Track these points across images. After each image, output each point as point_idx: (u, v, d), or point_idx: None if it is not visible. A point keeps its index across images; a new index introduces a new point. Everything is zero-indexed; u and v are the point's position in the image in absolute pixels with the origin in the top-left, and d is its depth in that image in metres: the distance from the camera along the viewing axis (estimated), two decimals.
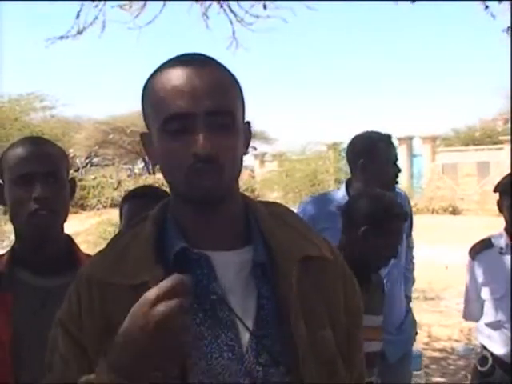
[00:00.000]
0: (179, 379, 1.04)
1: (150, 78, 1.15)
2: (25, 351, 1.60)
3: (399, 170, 3.00)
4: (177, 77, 1.09)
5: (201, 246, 1.13)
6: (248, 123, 1.20)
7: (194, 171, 1.07)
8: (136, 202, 2.18)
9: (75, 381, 1.06)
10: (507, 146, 18.98)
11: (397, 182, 3.03)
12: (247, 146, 1.19)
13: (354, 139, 3.02)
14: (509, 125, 23.59)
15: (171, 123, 1.08)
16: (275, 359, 1.09)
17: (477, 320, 3.03)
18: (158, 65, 1.15)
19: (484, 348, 2.96)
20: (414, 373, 2.57)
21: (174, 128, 1.08)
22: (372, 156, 2.88)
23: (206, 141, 1.06)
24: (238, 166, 1.14)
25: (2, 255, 1.78)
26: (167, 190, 1.64)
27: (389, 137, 3.04)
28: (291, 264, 1.14)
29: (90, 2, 5.20)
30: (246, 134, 1.18)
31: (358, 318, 1.26)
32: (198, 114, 1.07)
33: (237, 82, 1.16)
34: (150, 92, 1.13)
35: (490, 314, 2.89)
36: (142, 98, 1.16)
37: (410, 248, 3.39)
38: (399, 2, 5.51)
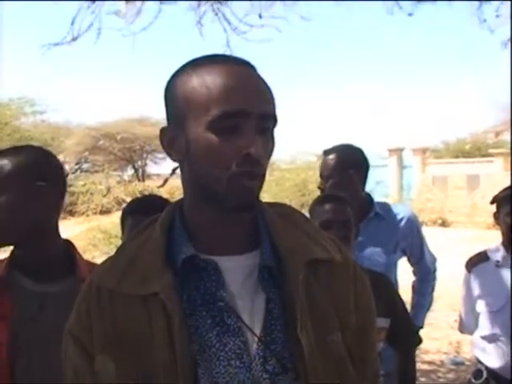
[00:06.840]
0: None
1: (179, 75, 1.10)
2: (21, 355, 1.59)
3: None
4: (226, 74, 1.04)
5: (210, 251, 1.11)
6: None
7: (239, 173, 1.03)
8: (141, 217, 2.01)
9: None
10: (498, 159, 19.07)
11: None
12: None
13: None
14: (500, 137, 23.73)
15: (223, 120, 1.02)
16: (283, 366, 1.06)
17: (472, 333, 3.00)
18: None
19: (478, 361, 2.93)
20: None
21: (225, 125, 1.02)
22: None
23: (258, 143, 1.03)
24: None
25: (2, 260, 1.76)
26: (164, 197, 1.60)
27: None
28: (298, 267, 1.11)
29: (85, 1, 5.17)
30: None
31: (370, 315, 1.23)
32: (253, 113, 1.03)
33: None
34: (188, 88, 1.07)
35: (485, 326, 2.86)
36: (169, 95, 1.11)
37: (429, 269, 3.21)
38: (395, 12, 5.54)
